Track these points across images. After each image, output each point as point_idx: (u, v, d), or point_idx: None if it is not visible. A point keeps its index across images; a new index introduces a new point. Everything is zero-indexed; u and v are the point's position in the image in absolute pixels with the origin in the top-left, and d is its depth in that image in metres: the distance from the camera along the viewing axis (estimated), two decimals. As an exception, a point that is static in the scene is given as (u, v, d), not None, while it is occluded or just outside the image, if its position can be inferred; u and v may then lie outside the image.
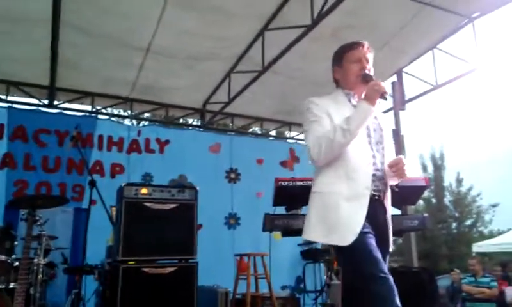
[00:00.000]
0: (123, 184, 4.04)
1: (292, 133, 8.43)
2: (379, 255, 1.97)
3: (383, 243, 2.10)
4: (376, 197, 2.12)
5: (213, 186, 6.49)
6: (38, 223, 3.59)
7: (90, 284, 4.49)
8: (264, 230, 4.39)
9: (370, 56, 2.30)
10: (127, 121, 7.10)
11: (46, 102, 6.38)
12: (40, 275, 3.64)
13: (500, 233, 22.06)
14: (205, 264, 4.37)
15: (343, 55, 2.33)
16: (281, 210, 4.58)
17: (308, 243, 6.41)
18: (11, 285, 3.45)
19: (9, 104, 6.07)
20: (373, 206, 2.07)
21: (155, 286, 3.74)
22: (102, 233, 4.55)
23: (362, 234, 1.98)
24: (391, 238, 2.21)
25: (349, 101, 2.26)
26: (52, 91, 6.32)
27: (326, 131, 2.10)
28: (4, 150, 5.69)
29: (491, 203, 26.53)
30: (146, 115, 7.24)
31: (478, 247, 15.26)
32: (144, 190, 4.05)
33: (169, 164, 6.45)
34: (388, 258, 2.17)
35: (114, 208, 4.29)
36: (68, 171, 5.95)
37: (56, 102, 6.44)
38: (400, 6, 4.90)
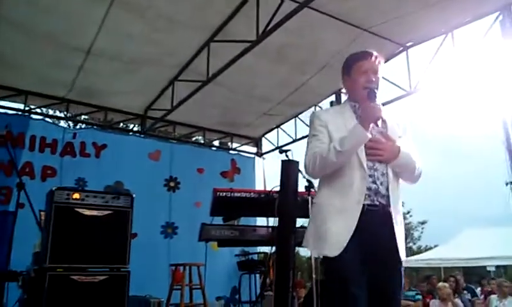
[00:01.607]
0: (53, 188, 3.87)
1: (234, 145, 8.50)
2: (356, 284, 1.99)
3: (385, 256, 2.06)
4: (374, 210, 2.07)
5: (151, 194, 6.39)
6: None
7: (13, 292, 4.22)
8: (200, 240, 4.38)
9: (378, 67, 2.25)
10: (62, 123, 6.81)
11: (-26, 97, 6.00)
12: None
13: (427, 249, 23.38)
14: (139, 273, 4.28)
15: (352, 65, 2.28)
16: (219, 220, 4.60)
17: (245, 254, 6.45)
18: None
19: None
20: (369, 219, 2.03)
21: (85, 295, 3.59)
22: (29, 238, 4.31)
23: (347, 252, 1.99)
24: (401, 249, 2.09)
25: (355, 113, 2.24)
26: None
27: (322, 147, 2.14)
28: None
29: (419, 220, 28.15)
30: (83, 118, 6.99)
31: (407, 262, 15.96)
32: (76, 195, 3.89)
33: (105, 170, 6.26)
34: (399, 270, 2.10)
35: (43, 213, 4.10)
36: (-5, 172, 5.60)
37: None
38: (341, 30, 5.15)
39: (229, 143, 8.66)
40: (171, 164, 7.13)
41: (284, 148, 3.73)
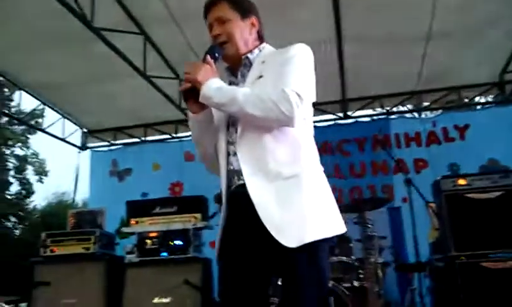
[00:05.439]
0: (439, 177, 3.96)
1: None
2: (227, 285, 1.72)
3: (261, 241, 1.59)
4: (241, 193, 1.67)
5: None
6: (368, 225, 3.90)
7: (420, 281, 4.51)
8: None
9: (220, 13, 1.79)
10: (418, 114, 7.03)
11: (341, 114, 6.94)
12: (379, 273, 3.90)
13: None
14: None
15: None
16: None
17: None
18: (356, 283, 3.83)
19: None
20: (239, 206, 1.68)
21: (499, 282, 3.46)
22: (420, 229, 4.47)
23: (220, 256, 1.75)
24: (277, 232, 1.55)
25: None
26: (344, 103, 6.85)
27: None
28: (317, 165, 6.47)
29: None
30: (435, 105, 6.95)
31: None
32: (462, 181, 3.88)
33: (473, 150, 5.91)
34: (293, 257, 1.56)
35: (432, 204, 4.25)
36: (373, 173, 6.26)
37: (349, 113, 6.94)
38: None
39: None
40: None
41: None
